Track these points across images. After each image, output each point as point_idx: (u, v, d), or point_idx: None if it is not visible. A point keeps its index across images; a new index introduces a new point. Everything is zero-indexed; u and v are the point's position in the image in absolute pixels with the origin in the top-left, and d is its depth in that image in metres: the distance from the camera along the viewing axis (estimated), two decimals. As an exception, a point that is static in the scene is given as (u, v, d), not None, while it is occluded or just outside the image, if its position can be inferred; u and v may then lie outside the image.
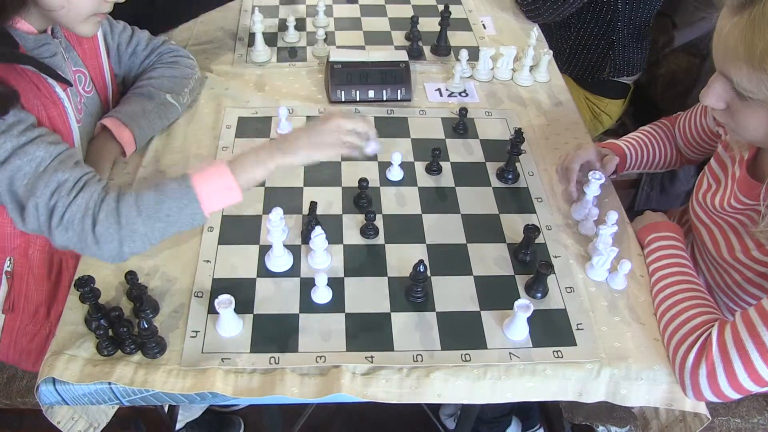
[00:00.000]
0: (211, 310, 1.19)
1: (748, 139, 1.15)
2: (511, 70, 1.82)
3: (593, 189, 1.35)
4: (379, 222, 1.38)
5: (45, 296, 1.39)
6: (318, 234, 1.24)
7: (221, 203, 1.19)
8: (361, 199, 1.40)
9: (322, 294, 1.22)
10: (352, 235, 1.35)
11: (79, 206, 1.12)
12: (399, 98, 1.69)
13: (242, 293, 1.22)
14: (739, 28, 0.98)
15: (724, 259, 1.30)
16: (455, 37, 1.98)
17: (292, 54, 1.87)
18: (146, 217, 1.13)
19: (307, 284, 1.24)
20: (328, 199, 1.41)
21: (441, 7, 1.91)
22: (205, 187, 1.15)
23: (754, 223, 1.21)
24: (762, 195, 1.12)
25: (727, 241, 1.29)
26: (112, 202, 1.14)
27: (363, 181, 1.38)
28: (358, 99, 1.67)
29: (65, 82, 1.27)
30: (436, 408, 2.08)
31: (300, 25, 1.97)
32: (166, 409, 1.80)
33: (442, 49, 1.92)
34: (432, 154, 1.47)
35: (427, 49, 1.91)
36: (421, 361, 1.14)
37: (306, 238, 1.32)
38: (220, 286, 1.24)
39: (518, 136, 1.45)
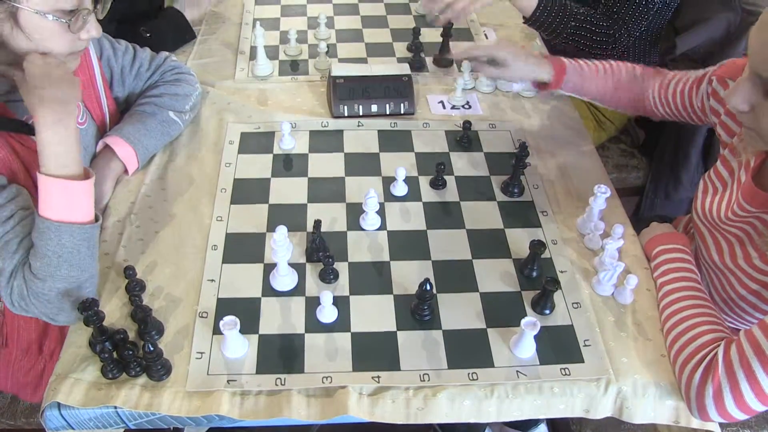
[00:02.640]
0: (216, 331, 1.18)
1: None
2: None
3: (599, 203, 1.34)
4: (384, 238, 1.37)
5: (36, 333, 1.39)
6: (371, 196, 1.35)
7: (75, 203, 1.15)
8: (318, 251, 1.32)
9: (327, 313, 1.21)
10: (356, 252, 1.35)
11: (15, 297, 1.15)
12: (402, 112, 1.68)
13: (247, 313, 1.21)
14: None
15: (726, 264, 1.30)
16: (457, 48, 1.97)
17: (294, 67, 1.87)
18: (42, 270, 1.13)
19: (313, 303, 1.23)
20: (333, 216, 1.41)
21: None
22: (51, 211, 1.12)
23: (757, 231, 1.21)
24: None
25: (731, 248, 1.28)
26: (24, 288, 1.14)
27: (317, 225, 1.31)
28: (361, 113, 1.67)
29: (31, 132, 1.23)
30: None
31: (301, 37, 1.96)
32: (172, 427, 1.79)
33: (444, 60, 1.92)
34: (436, 168, 1.47)
35: (429, 60, 1.91)
36: (428, 380, 1.13)
37: (311, 256, 1.32)
38: (224, 306, 1.23)
39: (523, 149, 1.44)
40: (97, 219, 1.19)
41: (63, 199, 1.13)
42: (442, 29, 1.88)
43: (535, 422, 2.04)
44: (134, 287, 1.22)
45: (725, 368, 1.04)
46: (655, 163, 2.26)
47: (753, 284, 1.24)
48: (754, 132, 1.09)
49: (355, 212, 1.42)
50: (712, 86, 1.35)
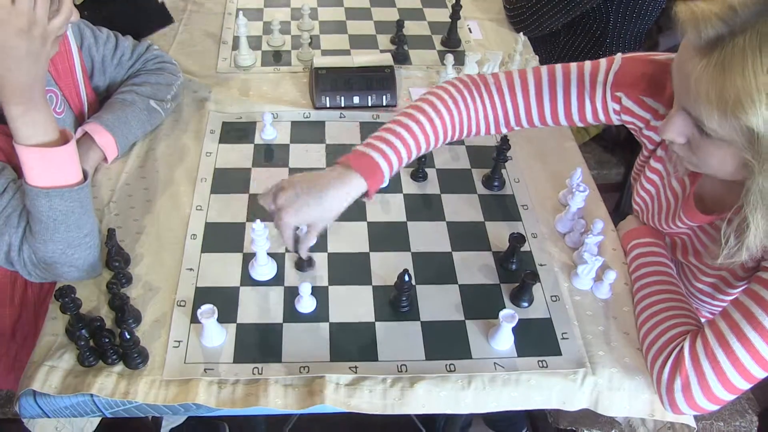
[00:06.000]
0: (194, 320, 1.18)
1: (706, 173, 1.09)
2: (496, 75, 1.81)
3: (577, 202, 1.34)
4: (363, 229, 1.37)
5: (9, 319, 1.37)
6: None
7: (59, 169, 1.13)
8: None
9: (306, 303, 1.21)
10: (336, 242, 1.35)
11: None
12: (384, 104, 1.68)
13: (225, 302, 1.21)
14: (709, 72, 0.91)
15: (677, 258, 1.31)
16: (440, 41, 1.98)
17: (276, 58, 1.86)
18: (41, 235, 1.14)
19: (291, 293, 1.23)
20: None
21: (426, 11, 1.91)
22: (37, 179, 1.12)
23: (703, 232, 1.21)
24: (723, 230, 1.07)
25: (683, 245, 1.29)
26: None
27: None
28: (343, 105, 1.66)
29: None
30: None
31: (285, 28, 1.95)
32: (150, 416, 1.79)
33: (452, 41, 1.95)
34: (417, 160, 1.47)
35: (412, 53, 1.91)
36: (406, 371, 1.13)
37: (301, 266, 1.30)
38: (203, 295, 1.23)
39: (504, 143, 1.45)
40: (85, 176, 1.18)
41: (46, 167, 1.12)
42: (450, 11, 1.92)
43: (519, 428, 2.07)
44: (120, 278, 1.22)
45: (691, 360, 1.05)
46: (636, 159, 2.28)
47: (707, 278, 1.25)
48: (687, 161, 1.09)
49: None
50: (622, 104, 1.24)
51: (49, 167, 1.12)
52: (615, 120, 1.28)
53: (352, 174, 1.17)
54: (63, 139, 1.14)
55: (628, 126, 1.30)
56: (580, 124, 1.32)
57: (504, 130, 1.34)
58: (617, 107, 1.25)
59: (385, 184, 1.24)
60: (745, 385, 1.03)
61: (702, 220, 1.19)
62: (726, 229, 1.06)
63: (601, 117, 1.28)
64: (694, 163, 1.07)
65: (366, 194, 1.20)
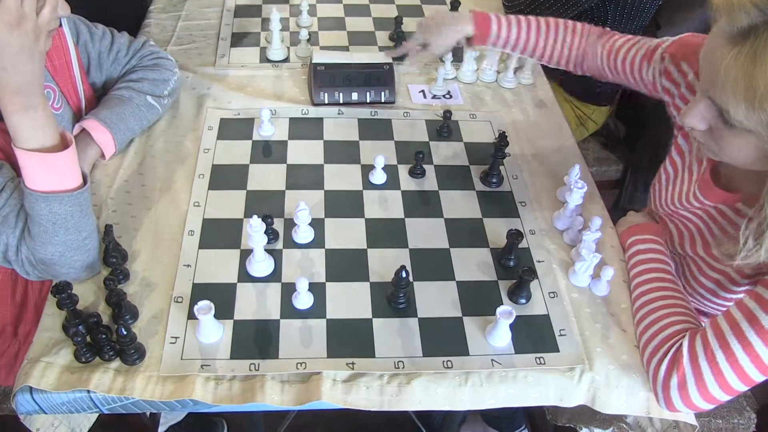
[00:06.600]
0: (191, 316, 1.18)
1: (726, 161, 1.08)
2: (495, 72, 1.81)
3: (575, 198, 1.34)
4: (361, 226, 1.37)
5: (10, 317, 1.37)
6: (302, 209, 1.27)
7: (59, 173, 1.12)
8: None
9: (303, 299, 1.21)
10: (334, 239, 1.34)
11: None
12: (383, 100, 1.68)
13: (222, 298, 1.21)
14: (740, 62, 0.90)
15: (685, 250, 1.31)
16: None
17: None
18: (40, 237, 1.13)
19: (289, 289, 1.23)
20: (311, 203, 1.40)
21: (425, 8, 1.90)
22: (37, 183, 1.11)
23: (717, 225, 1.21)
24: (741, 231, 1.05)
25: (690, 236, 1.29)
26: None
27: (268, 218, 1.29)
28: (341, 101, 1.66)
29: None
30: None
31: (283, 24, 1.95)
32: (148, 412, 1.79)
33: None
34: (415, 157, 1.47)
35: (411, 50, 1.90)
36: (403, 367, 1.13)
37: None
38: (200, 291, 1.22)
39: (502, 139, 1.44)
40: (85, 181, 1.17)
41: (46, 172, 1.11)
42: (449, 8, 1.93)
43: (518, 425, 2.06)
44: (117, 274, 1.22)
45: (690, 359, 1.05)
46: (635, 156, 2.28)
47: (712, 273, 1.25)
48: (707, 148, 1.09)
49: (333, 199, 1.42)
50: (665, 64, 1.31)
51: (48, 172, 1.11)
52: (658, 84, 1.35)
53: (468, 18, 1.54)
54: (63, 144, 1.13)
55: (665, 97, 1.33)
56: (631, 80, 1.44)
57: (578, 71, 1.58)
58: (661, 67, 1.33)
59: (488, 44, 1.57)
60: (742, 387, 1.03)
61: (718, 199, 1.18)
62: (745, 230, 1.05)
63: (650, 74, 1.37)
64: (714, 151, 1.07)
65: (471, 39, 1.57)
